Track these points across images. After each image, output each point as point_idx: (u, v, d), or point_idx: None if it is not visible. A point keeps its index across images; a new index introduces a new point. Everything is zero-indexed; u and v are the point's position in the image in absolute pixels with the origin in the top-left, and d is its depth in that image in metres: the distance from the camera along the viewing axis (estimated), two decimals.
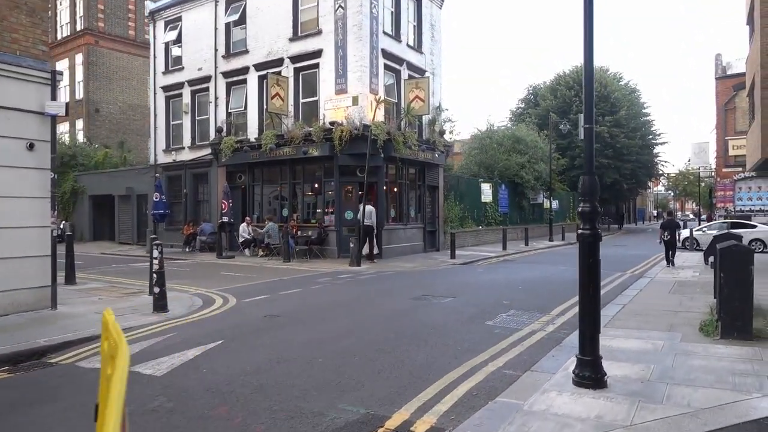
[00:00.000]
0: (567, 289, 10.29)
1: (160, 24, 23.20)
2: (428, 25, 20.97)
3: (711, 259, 12.57)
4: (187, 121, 22.39)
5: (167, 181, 22.70)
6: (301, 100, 18.67)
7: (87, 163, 28.60)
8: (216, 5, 20.90)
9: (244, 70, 20.02)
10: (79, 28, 32.37)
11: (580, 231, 4.73)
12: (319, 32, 17.93)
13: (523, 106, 44.15)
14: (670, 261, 15.07)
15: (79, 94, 32.41)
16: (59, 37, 33.65)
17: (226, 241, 18.92)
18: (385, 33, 18.22)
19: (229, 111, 20.73)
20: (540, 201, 32.01)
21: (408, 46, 19.67)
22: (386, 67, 18.36)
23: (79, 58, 32.32)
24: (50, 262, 8.33)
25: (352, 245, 15.23)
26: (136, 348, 6.25)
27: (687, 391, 4.48)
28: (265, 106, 18.82)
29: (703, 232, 22.31)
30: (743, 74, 22.68)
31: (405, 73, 19.26)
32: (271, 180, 19.86)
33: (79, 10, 32.53)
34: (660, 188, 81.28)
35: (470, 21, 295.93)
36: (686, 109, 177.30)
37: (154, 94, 23.57)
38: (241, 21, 20.21)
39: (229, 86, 20.74)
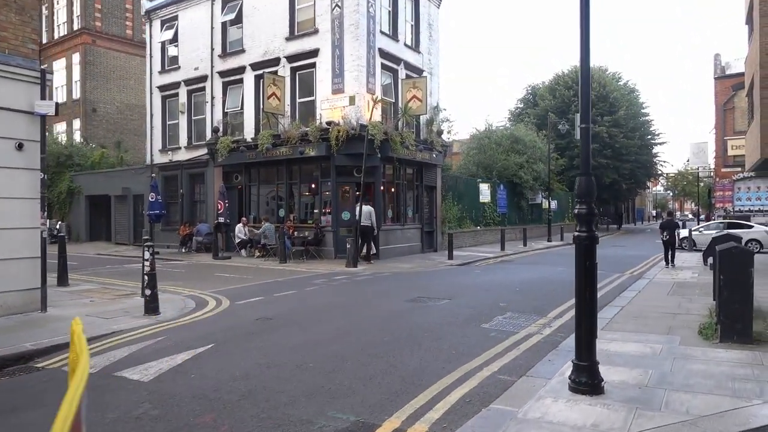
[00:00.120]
0: (565, 290, 10.17)
1: (157, 23, 23.08)
2: (426, 24, 20.86)
3: (710, 259, 12.48)
4: (183, 121, 22.26)
5: (163, 182, 22.58)
6: (298, 100, 18.55)
7: (83, 163, 28.44)
8: (212, 4, 20.78)
9: (241, 70, 19.91)
10: (76, 27, 32.22)
11: (576, 233, 4.61)
12: (316, 31, 17.81)
13: (522, 106, 44.07)
14: (669, 261, 15.02)
15: (76, 93, 32.26)
16: (56, 36, 33.53)
17: (223, 241, 18.81)
18: (382, 32, 18.10)
19: (226, 111, 20.61)
20: (539, 201, 31.92)
21: (405, 45, 19.56)
22: (383, 66, 18.25)
23: (76, 57, 32.17)
24: (40, 264, 8.21)
25: (348, 246, 15.11)
26: (125, 352, 6.14)
27: (686, 398, 4.37)
28: (261, 106, 18.72)
29: (700, 232, 22.24)
30: (742, 74, 22.59)
31: (402, 73, 19.15)
32: (267, 180, 19.75)
33: (76, 10, 32.37)
34: (659, 188, 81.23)
35: (468, 20, 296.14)
36: (685, 109, 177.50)
37: (151, 93, 23.44)
38: (238, 20, 20.09)
39: (225, 86, 20.63)
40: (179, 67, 22.16)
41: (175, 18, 22.32)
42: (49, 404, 4.53)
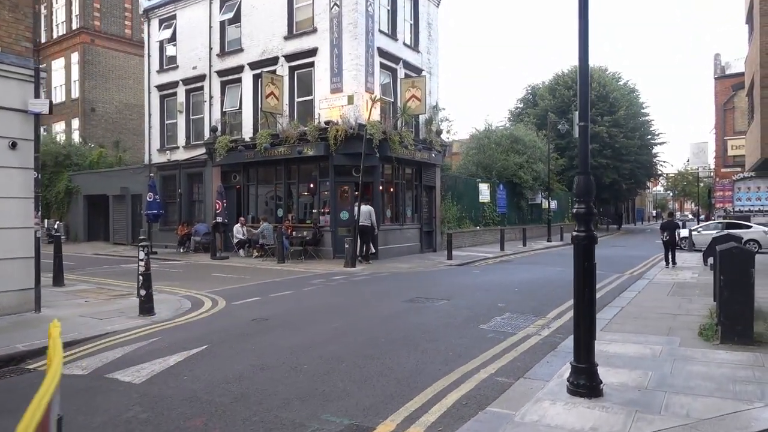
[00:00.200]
0: (564, 291, 10.08)
1: (155, 22, 23.00)
2: (425, 23, 20.78)
3: (710, 260, 12.41)
4: (181, 121, 22.18)
5: (162, 181, 22.51)
6: (296, 99, 18.47)
7: (82, 162, 28.35)
8: (210, 3, 20.69)
9: (239, 69, 19.83)
10: (74, 26, 32.12)
11: (575, 233, 4.54)
12: (315, 30, 17.73)
13: (522, 106, 43.98)
14: (669, 261, 15.01)
15: (75, 93, 32.16)
16: (55, 35, 33.43)
17: (221, 241, 18.73)
18: (381, 31, 18.02)
19: (224, 110, 20.53)
20: (538, 201, 31.84)
21: (404, 44, 19.48)
22: (382, 65, 18.16)
23: (74, 56, 32.06)
24: (34, 264, 8.12)
25: (347, 246, 15.03)
26: (118, 353, 6.06)
27: (686, 400, 4.29)
28: (259, 106, 18.64)
29: (698, 232, 22.20)
30: (742, 74, 22.51)
31: (401, 72, 19.07)
32: (266, 180, 19.66)
33: (75, 9, 32.29)
34: (659, 188, 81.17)
35: (467, 19, 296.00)
36: (685, 109, 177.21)
37: (149, 93, 23.36)
38: (236, 19, 20.01)
39: (223, 85, 20.54)
40: (177, 67, 22.08)
41: (174, 17, 22.24)
42: None
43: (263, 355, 5.95)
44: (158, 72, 22.96)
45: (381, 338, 6.72)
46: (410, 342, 6.49)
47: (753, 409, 4.10)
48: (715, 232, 18.96)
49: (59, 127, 32.77)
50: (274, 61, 18.72)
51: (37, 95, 8.00)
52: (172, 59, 22.49)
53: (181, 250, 20.31)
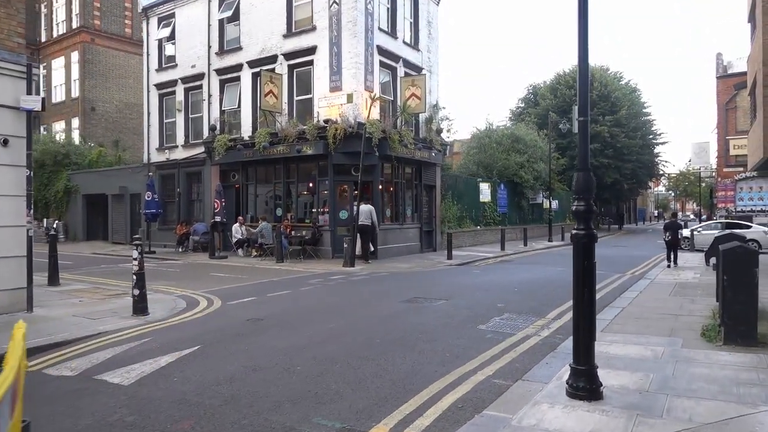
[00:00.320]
0: (564, 291, 9.93)
1: (154, 20, 22.90)
2: (425, 21, 20.66)
3: (712, 260, 12.28)
4: (180, 119, 22.07)
5: (161, 180, 22.41)
6: (295, 98, 18.35)
7: (81, 161, 28.26)
8: (209, 1, 20.57)
9: (238, 68, 19.72)
10: (74, 25, 32.04)
11: (574, 231, 4.41)
12: (314, 28, 17.61)
13: (523, 105, 43.84)
14: (671, 261, 14.93)
15: (75, 92, 32.07)
16: (55, 34, 33.35)
17: (219, 241, 18.61)
18: (380, 29, 17.90)
19: (223, 109, 20.42)
20: (539, 201, 31.69)
21: (404, 43, 19.35)
22: (382, 64, 18.04)
23: (75, 56, 31.98)
24: (26, 263, 8.01)
25: (346, 245, 14.91)
26: (109, 354, 5.95)
27: (688, 404, 4.17)
28: (258, 104, 18.53)
29: (699, 232, 22.08)
30: (744, 73, 22.35)
31: (401, 71, 18.95)
32: (265, 179, 19.54)
33: (75, 8, 32.21)
34: (661, 188, 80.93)
35: (468, 17, 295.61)
36: (686, 109, 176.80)
37: (148, 91, 23.26)
38: (235, 17, 19.90)
39: (222, 84, 20.43)
40: (176, 65, 21.98)
41: (172, 15, 22.13)
42: (24, 408, 4.34)
43: (256, 355, 5.84)
44: (157, 71, 22.86)
45: (377, 339, 6.60)
46: (407, 343, 6.37)
47: (757, 413, 3.97)
48: (716, 232, 18.80)
49: (59, 126, 32.70)
50: (273, 59, 18.60)
51: (29, 92, 7.89)
52: (171, 58, 22.39)
53: (180, 250, 20.21)
